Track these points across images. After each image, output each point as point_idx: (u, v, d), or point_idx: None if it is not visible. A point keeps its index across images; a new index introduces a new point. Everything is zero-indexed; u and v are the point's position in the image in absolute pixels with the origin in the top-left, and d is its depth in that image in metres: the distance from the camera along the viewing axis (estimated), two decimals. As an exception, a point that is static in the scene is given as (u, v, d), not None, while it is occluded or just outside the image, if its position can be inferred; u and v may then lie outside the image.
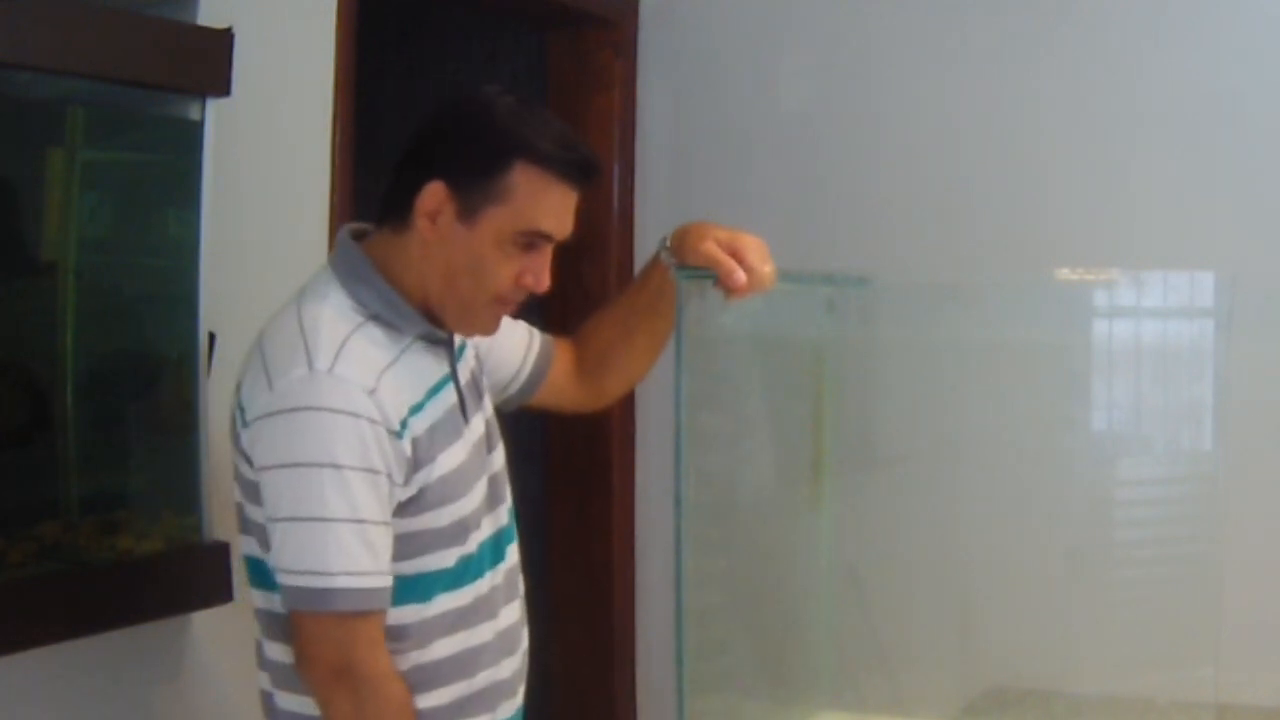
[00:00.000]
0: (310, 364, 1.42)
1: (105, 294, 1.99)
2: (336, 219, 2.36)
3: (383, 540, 1.44)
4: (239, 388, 1.53)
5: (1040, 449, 2.09)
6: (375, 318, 1.51)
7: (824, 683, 2.16)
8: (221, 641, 2.13)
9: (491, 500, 1.62)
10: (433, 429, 1.52)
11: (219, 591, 2.02)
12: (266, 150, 2.22)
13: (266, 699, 1.59)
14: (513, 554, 1.67)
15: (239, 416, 1.51)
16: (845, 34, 3.04)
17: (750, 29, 3.12)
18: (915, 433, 2.19)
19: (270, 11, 2.19)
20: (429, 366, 1.56)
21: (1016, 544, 2.13)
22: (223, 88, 1.97)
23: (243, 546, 1.56)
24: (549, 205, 1.50)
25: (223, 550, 2.02)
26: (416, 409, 1.50)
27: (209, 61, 1.96)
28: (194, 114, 1.98)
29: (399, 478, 1.47)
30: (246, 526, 1.54)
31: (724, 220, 1.67)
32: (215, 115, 1.99)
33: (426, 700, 1.52)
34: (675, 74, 3.20)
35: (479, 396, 1.66)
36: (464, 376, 1.63)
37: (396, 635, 1.50)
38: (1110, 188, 2.76)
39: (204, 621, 2.08)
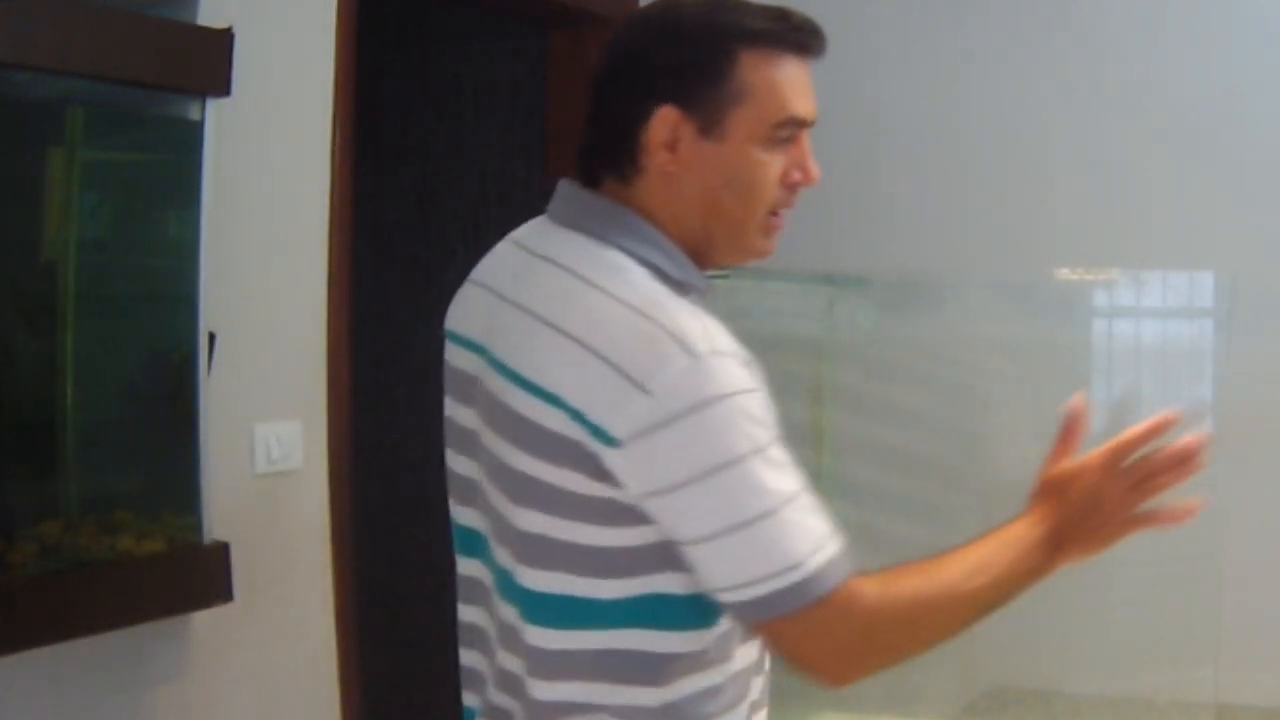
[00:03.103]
0: (688, 350, 1.19)
1: (105, 294, 1.99)
2: (336, 219, 2.36)
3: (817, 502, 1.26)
4: (576, 408, 1.22)
5: (1040, 448, 2.08)
6: (664, 278, 1.30)
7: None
8: (221, 641, 2.13)
9: None
10: None
11: (219, 591, 2.02)
12: (266, 150, 2.22)
13: None
14: None
15: (591, 438, 1.21)
16: (845, 34, 3.02)
17: (750, 29, 3.12)
18: (915, 432, 2.19)
19: (270, 11, 2.19)
20: None
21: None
22: (223, 88, 1.97)
23: (539, 584, 1.27)
24: (792, 86, 1.33)
25: (223, 550, 2.02)
26: None
27: (209, 61, 1.95)
28: (194, 114, 1.98)
29: None
30: (561, 558, 1.26)
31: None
32: (215, 115, 1.98)
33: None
34: (675, 74, 3.19)
35: None
36: None
37: (697, 661, 1.29)
38: (1110, 188, 2.76)
39: (204, 621, 2.08)
